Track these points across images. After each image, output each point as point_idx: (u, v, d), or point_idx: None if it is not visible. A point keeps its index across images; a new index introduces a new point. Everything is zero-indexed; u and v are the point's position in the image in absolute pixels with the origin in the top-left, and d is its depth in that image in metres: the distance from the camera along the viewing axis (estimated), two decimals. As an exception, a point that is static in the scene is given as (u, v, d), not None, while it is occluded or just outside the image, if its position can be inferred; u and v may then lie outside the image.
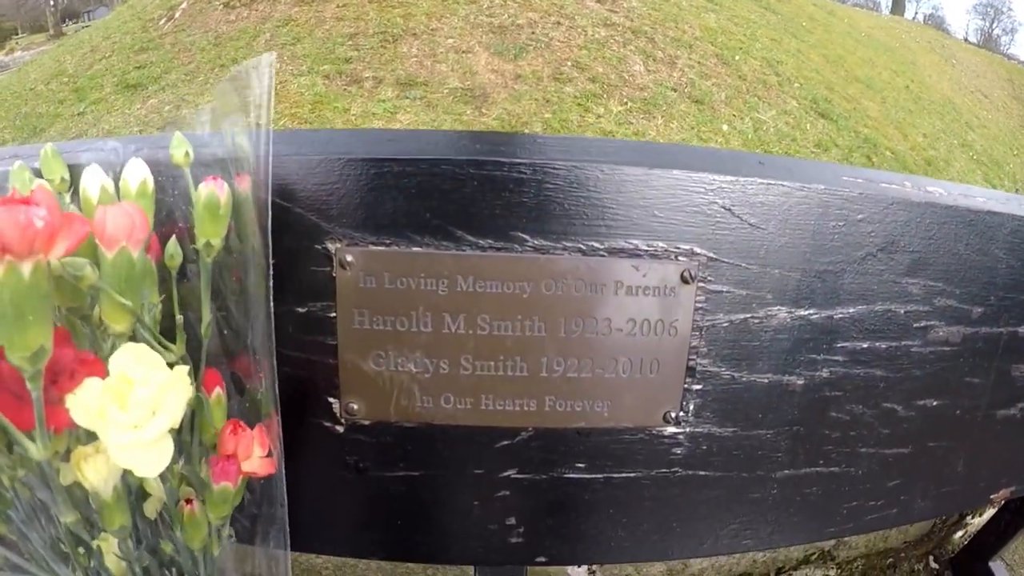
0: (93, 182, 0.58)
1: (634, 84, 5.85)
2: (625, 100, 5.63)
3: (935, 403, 0.90)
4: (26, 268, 0.44)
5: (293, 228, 0.71)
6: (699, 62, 6.45)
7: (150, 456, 0.49)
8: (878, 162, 6.53)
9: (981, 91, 13.02)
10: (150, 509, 0.62)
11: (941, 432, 0.92)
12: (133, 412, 0.48)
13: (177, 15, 6.99)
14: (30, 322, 0.45)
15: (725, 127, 5.71)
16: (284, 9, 6.62)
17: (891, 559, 1.54)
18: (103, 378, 0.49)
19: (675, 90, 5.91)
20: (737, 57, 6.81)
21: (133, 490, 0.60)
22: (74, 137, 5.50)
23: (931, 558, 1.56)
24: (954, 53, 14.72)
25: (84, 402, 0.48)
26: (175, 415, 0.50)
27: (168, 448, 0.51)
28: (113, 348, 0.53)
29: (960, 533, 1.59)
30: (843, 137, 6.54)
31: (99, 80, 6.36)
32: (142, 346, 0.51)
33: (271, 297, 0.65)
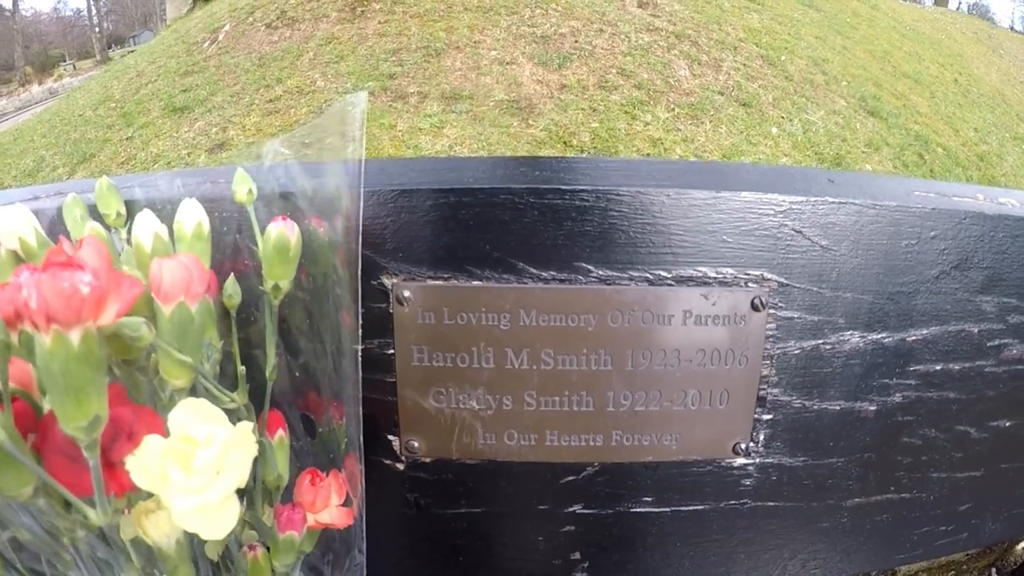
0: (145, 230, 0.55)
1: (680, 89, 5.79)
2: (672, 106, 5.57)
3: (1008, 424, 0.87)
4: (75, 337, 0.41)
5: (349, 264, 0.69)
6: (744, 64, 6.38)
7: (216, 519, 0.47)
8: (930, 159, 6.39)
9: (1031, 81, 12.69)
10: (212, 551, 0.60)
11: (1014, 453, 0.90)
12: (197, 476, 0.46)
13: (220, 37, 7.12)
14: (83, 392, 0.43)
15: (774, 130, 5.62)
16: (327, 27, 6.69)
17: (952, 571, 1.49)
18: (162, 434, 0.47)
19: (722, 94, 5.84)
20: (783, 57, 6.72)
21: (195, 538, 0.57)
22: (123, 162, 5.61)
23: (993, 570, 1.50)
24: (1001, 43, 14.39)
25: (144, 464, 0.46)
26: (241, 474, 0.48)
27: (234, 508, 0.48)
28: (172, 400, 0.52)
29: (1022, 545, 1.54)
30: (894, 135, 6.42)
31: (146, 104, 6.48)
32: (202, 402, 0.49)
33: (360, 340, 0.65)
